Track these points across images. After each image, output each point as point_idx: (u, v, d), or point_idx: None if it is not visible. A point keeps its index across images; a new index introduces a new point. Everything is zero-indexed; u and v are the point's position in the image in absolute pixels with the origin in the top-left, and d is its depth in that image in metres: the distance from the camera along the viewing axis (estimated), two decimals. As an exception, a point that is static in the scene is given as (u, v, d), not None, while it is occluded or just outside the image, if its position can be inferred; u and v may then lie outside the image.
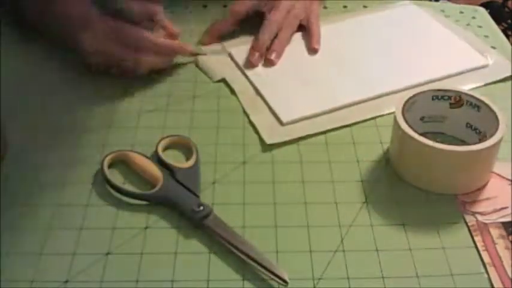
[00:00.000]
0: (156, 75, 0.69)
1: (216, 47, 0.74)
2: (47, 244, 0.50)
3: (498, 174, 0.57)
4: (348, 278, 0.48)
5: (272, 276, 0.47)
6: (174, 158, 0.58)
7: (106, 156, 0.57)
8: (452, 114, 0.59)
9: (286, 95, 0.66)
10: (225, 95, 0.67)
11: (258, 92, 0.67)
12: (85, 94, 0.67)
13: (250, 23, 0.75)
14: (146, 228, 0.52)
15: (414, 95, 0.58)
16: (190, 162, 0.57)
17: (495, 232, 0.51)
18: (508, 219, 0.53)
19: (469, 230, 0.52)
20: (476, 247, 0.50)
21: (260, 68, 0.71)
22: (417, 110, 0.58)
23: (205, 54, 0.73)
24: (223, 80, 0.69)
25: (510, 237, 0.51)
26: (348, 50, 0.74)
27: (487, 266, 0.49)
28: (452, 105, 0.59)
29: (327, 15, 0.80)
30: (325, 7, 0.83)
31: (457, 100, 0.59)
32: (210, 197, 0.55)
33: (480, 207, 0.54)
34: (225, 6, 0.82)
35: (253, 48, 0.72)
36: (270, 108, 0.65)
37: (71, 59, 0.70)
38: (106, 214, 0.53)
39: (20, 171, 0.57)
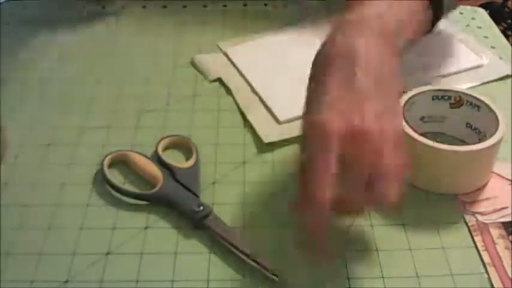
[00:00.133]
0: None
1: None
2: (47, 244, 0.50)
3: (498, 174, 0.57)
4: (348, 278, 0.48)
5: (272, 276, 0.47)
6: (174, 158, 0.58)
7: (106, 156, 0.57)
8: (452, 114, 0.59)
9: (283, 93, 0.66)
10: (225, 95, 0.67)
11: (254, 91, 0.67)
12: (85, 94, 0.67)
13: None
14: (146, 228, 0.52)
15: (414, 95, 0.58)
16: (190, 162, 0.57)
17: (495, 232, 0.51)
18: (508, 219, 0.53)
19: (469, 230, 0.52)
20: (476, 247, 0.50)
21: (256, 67, 0.70)
22: (417, 110, 0.58)
23: None
24: (219, 80, 0.69)
25: (510, 237, 0.51)
26: None
27: (487, 266, 0.49)
28: (452, 105, 0.59)
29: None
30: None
31: (457, 100, 0.59)
32: (210, 197, 0.54)
33: (480, 207, 0.54)
34: (224, 6, 0.82)
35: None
36: (266, 106, 0.65)
37: (70, 58, 0.70)
38: (106, 214, 0.53)
39: (20, 171, 0.57)
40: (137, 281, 0.47)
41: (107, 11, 0.82)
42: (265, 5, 0.83)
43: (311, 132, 0.45)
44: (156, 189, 0.54)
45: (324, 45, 0.49)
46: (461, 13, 0.83)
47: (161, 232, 0.51)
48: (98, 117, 0.64)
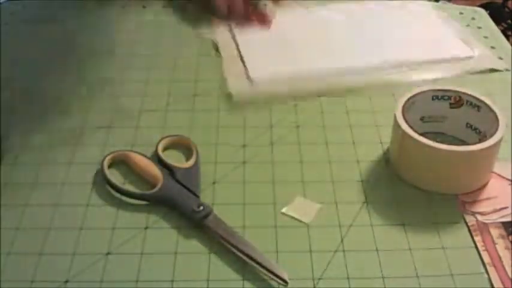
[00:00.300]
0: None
1: None
2: (47, 244, 0.50)
3: (498, 174, 0.57)
4: (348, 278, 0.48)
5: (272, 276, 0.47)
6: (174, 158, 0.58)
7: (106, 156, 0.57)
8: (452, 114, 0.59)
9: (263, 55, 0.69)
10: (225, 95, 0.67)
11: (238, 52, 0.69)
12: (85, 94, 0.67)
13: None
14: (146, 228, 0.52)
15: (414, 95, 0.58)
16: (190, 162, 0.57)
17: (495, 232, 0.52)
18: (508, 219, 0.53)
19: (469, 230, 0.52)
20: (476, 247, 0.50)
21: (249, 33, 0.73)
22: (417, 110, 0.58)
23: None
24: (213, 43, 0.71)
25: (510, 237, 0.51)
26: (337, 25, 0.76)
27: (487, 266, 0.49)
28: (452, 105, 0.59)
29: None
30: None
31: (457, 100, 0.59)
32: (210, 197, 0.55)
33: (480, 207, 0.54)
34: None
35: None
36: (244, 65, 0.66)
37: (70, 58, 0.70)
38: (106, 214, 0.53)
39: (20, 171, 0.57)
40: (137, 281, 0.47)
41: (107, 11, 0.82)
42: None
43: None
44: (156, 189, 0.54)
45: None
46: (461, 13, 0.83)
47: (161, 232, 0.52)
48: (98, 117, 0.64)
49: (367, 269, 0.49)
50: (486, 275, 0.48)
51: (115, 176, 0.56)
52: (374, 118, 0.64)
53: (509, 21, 1.69)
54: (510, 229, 0.52)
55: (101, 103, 0.66)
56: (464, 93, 0.58)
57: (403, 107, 0.56)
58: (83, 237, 0.51)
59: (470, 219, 0.53)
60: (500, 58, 0.73)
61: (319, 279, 0.48)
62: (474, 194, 0.55)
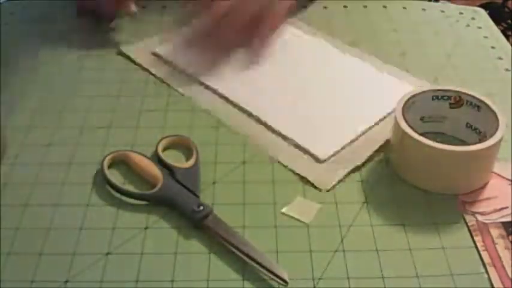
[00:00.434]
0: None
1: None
2: (47, 244, 0.50)
3: (498, 174, 0.57)
4: (348, 278, 0.48)
5: (272, 276, 0.47)
6: (174, 158, 0.58)
7: (106, 156, 0.57)
8: (452, 114, 0.59)
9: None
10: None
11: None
12: (85, 94, 0.67)
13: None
14: (146, 228, 0.52)
15: (414, 95, 0.58)
16: (190, 162, 0.57)
17: (495, 232, 0.52)
18: (508, 219, 0.53)
19: (469, 230, 0.52)
20: (476, 247, 0.50)
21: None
22: (417, 110, 0.58)
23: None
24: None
25: (510, 237, 0.51)
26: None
27: (487, 266, 0.49)
28: (452, 105, 0.59)
29: (327, 16, 0.81)
30: (325, 7, 0.83)
31: (457, 100, 0.59)
32: (210, 197, 0.55)
33: (480, 207, 0.54)
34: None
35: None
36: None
37: (71, 58, 0.70)
38: (106, 214, 0.53)
39: (20, 171, 0.57)
40: (137, 281, 0.47)
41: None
42: None
43: None
44: (156, 189, 0.54)
45: None
46: (461, 13, 0.83)
47: (161, 232, 0.51)
48: (98, 117, 0.64)
49: (367, 269, 0.49)
50: (486, 275, 0.48)
51: (115, 176, 0.56)
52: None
53: (509, 21, 1.69)
54: (510, 229, 0.52)
55: (101, 103, 0.66)
56: (464, 93, 0.58)
57: (403, 107, 0.56)
58: (83, 237, 0.51)
59: (470, 219, 0.53)
60: (500, 58, 0.73)
61: (319, 279, 0.48)
62: (474, 194, 0.55)
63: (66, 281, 0.47)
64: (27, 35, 0.77)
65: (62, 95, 0.67)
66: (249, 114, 0.64)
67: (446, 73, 0.71)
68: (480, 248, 0.50)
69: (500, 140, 0.53)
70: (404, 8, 0.85)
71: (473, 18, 0.82)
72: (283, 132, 0.61)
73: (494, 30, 0.80)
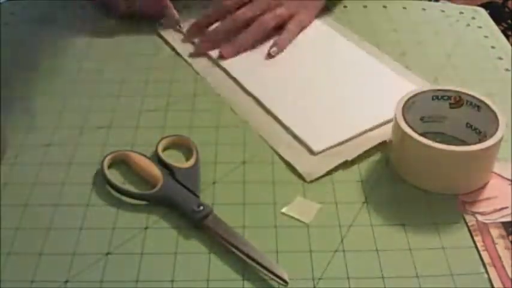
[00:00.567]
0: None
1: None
2: (47, 244, 0.50)
3: (498, 174, 0.57)
4: (348, 278, 0.48)
5: (272, 276, 0.47)
6: (174, 158, 0.58)
7: (106, 156, 0.57)
8: (452, 114, 0.59)
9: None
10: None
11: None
12: (85, 94, 0.67)
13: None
14: (146, 228, 0.52)
15: (414, 95, 0.58)
16: (190, 162, 0.57)
17: (495, 232, 0.51)
18: (508, 219, 0.53)
19: (469, 230, 0.52)
20: (476, 247, 0.50)
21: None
22: (417, 110, 0.58)
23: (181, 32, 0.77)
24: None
25: (510, 237, 0.51)
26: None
27: (487, 266, 0.49)
28: (452, 105, 0.59)
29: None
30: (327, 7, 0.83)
31: (457, 100, 0.59)
32: (210, 197, 0.55)
33: (480, 207, 0.54)
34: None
35: (204, 35, 0.75)
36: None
37: (71, 58, 0.70)
38: (106, 214, 0.53)
39: (20, 171, 0.57)
40: (137, 281, 0.47)
41: (107, 12, 0.82)
42: None
43: None
44: (156, 189, 0.54)
45: None
46: (461, 13, 0.83)
47: (161, 232, 0.51)
48: (98, 117, 0.64)
49: (367, 269, 0.49)
50: (486, 275, 0.48)
51: (115, 176, 0.56)
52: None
53: (509, 21, 1.69)
54: (510, 229, 0.52)
55: (101, 103, 0.66)
56: (464, 93, 0.58)
57: (403, 107, 0.56)
58: (83, 237, 0.51)
59: (470, 219, 0.53)
60: (500, 58, 0.73)
61: (319, 279, 0.48)
62: (474, 194, 0.55)
63: (66, 281, 0.47)
64: (27, 35, 0.77)
65: (62, 95, 0.67)
66: (254, 99, 0.66)
67: (446, 73, 0.71)
68: (480, 248, 0.50)
69: (500, 140, 0.53)
70: (404, 8, 0.85)
71: (473, 18, 0.82)
72: (284, 121, 0.63)
73: (495, 30, 0.80)
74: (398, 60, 0.72)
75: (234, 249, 0.49)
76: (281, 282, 0.47)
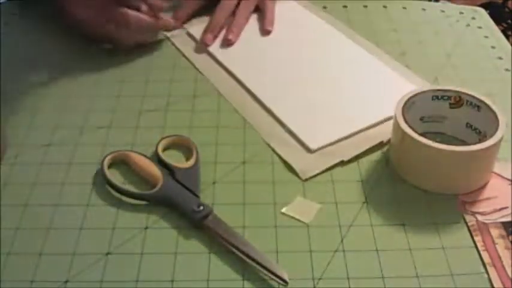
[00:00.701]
0: (142, 48, 0.74)
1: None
2: (47, 244, 0.50)
3: (498, 174, 0.57)
4: (348, 278, 0.48)
5: (272, 276, 0.47)
6: (174, 158, 0.58)
7: (106, 156, 0.57)
8: (452, 114, 0.59)
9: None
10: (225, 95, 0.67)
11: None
12: (85, 94, 0.67)
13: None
14: (146, 228, 0.52)
15: (414, 95, 0.58)
16: (190, 162, 0.57)
17: (495, 232, 0.51)
18: (508, 219, 0.53)
19: (469, 230, 0.52)
20: (476, 247, 0.50)
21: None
22: (417, 110, 0.58)
23: (183, 28, 0.78)
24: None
25: (510, 237, 0.51)
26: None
27: (487, 266, 0.49)
28: (452, 105, 0.59)
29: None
30: (324, 7, 0.83)
31: (457, 100, 0.59)
32: (210, 197, 0.55)
33: (480, 207, 0.54)
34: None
35: (207, 28, 0.76)
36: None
37: (71, 58, 0.70)
38: (106, 214, 0.53)
39: (20, 171, 0.57)
40: (137, 281, 0.47)
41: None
42: None
43: None
44: (156, 189, 0.54)
45: None
46: (461, 13, 0.83)
47: (161, 232, 0.51)
48: (98, 117, 0.64)
49: (367, 269, 0.49)
50: (486, 275, 0.48)
51: (115, 176, 0.56)
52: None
53: (509, 21, 1.69)
54: (510, 229, 0.52)
55: (101, 103, 0.66)
56: (464, 93, 0.58)
57: (403, 107, 0.56)
58: (83, 237, 0.51)
59: (470, 219, 0.53)
60: (500, 58, 0.73)
61: (319, 279, 0.48)
62: (474, 194, 0.55)
63: (66, 281, 0.47)
64: (27, 35, 0.77)
65: (62, 95, 0.67)
66: (252, 96, 0.66)
67: (446, 73, 0.71)
68: (480, 248, 0.50)
69: (500, 140, 0.53)
70: (404, 8, 0.85)
71: (473, 18, 0.82)
72: (281, 119, 0.63)
73: (495, 30, 0.80)
74: (398, 60, 0.72)
75: (234, 249, 0.49)
76: (281, 282, 0.47)
